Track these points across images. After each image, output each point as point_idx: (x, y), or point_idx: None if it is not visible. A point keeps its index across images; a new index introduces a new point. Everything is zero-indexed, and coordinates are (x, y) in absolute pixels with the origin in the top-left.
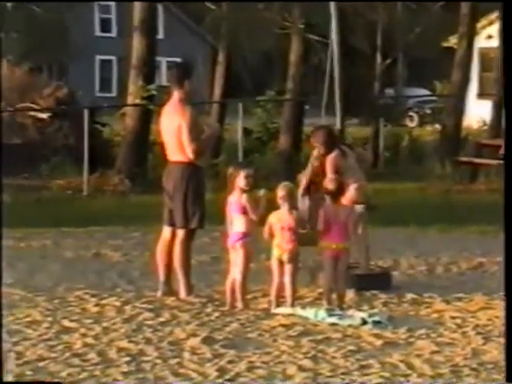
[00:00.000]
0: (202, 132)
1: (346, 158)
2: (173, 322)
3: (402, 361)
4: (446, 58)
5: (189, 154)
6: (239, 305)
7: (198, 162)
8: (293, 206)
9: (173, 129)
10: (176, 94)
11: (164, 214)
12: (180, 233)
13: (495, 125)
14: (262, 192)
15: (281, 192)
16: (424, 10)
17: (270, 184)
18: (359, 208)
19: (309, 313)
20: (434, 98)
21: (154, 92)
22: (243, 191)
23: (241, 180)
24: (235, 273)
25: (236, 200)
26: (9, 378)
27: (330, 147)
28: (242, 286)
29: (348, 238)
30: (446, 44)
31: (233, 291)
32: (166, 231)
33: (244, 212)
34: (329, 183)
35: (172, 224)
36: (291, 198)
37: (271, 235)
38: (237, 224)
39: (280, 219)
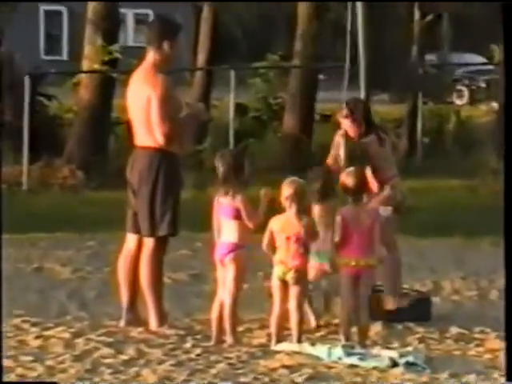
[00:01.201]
0: (179, 109)
1: (383, 146)
2: (140, 361)
3: None
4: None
5: (157, 136)
6: (228, 339)
7: (173, 148)
8: (302, 209)
9: (141, 103)
10: (151, 57)
11: (127, 217)
12: (148, 242)
13: None
14: (262, 191)
15: (287, 190)
16: None
17: (272, 179)
18: (386, 211)
19: (321, 351)
20: (489, 66)
21: (118, 55)
22: (237, 188)
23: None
24: (224, 296)
25: (228, 200)
26: None
27: (367, 129)
28: (232, 313)
29: (373, 252)
30: None
31: (220, 320)
32: (130, 240)
33: (237, 216)
34: (347, 177)
35: (137, 231)
36: (300, 199)
37: (272, 247)
38: (227, 232)
39: (285, 226)
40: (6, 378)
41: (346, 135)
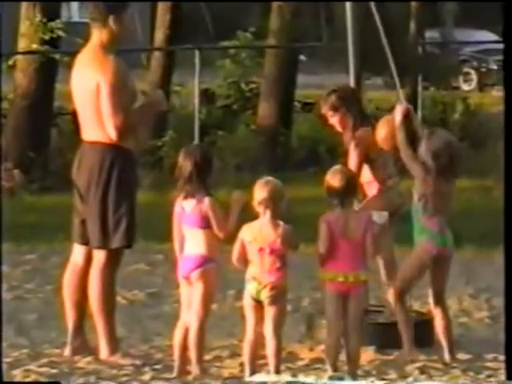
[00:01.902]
0: (134, 97)
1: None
2: None
3: None
4: None
5: (109, 130)
6: (194, 369)
7: (127, 143)
8: (278, 215)
9: (88, 90)
10: (96, 37)
11: (74, 226)
12: (98, 255)
13: None
14: (234, 194)
15: (261, 192)
16: None
17: (243, 178)
18: (381, 217)
19: (303, 383)
20: (502, 45)
21: (61, 32)
22: (204, 191)
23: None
24: (188, 319)
25: (193, 205)
26: None
27: (358, 122)
28: (198, 339)
29: (364, 266)
30: None
31: (184, 348)
32: (77, 253)
33: (205, 224)
34: (333, 177)
35: (86, 242)
36: (277, 202)
37: (244, 261)
38: (193, 243)
39: (257, 236)
40: None
41: (334, 130)
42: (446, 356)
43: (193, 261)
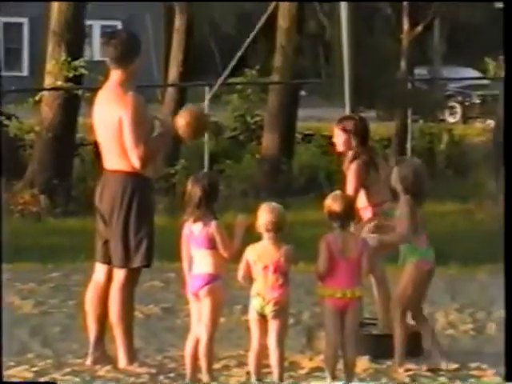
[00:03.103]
0: (152, 128)
1: (377, 169)
2: None
3: None
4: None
5: (133, 160)
6: (204, 378)
7: (147, 171)
8: (281, 237)
9: (110, 124)
10: (115, 75)
11: (96, 247)
12: (119, 274)
13: None
14: (238, 217)
15: (265, 216)
16: None
17: (249, 203)
18: (374, 240)
19: None
20: (485, 81)
21: (83, 70)
22: (210, 215)
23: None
24: (198, 332)
25: (200, 228)
26: None
27: (360, 149)
28: (207, 350)
29: (360, 283)
30: (499, 5)
31: (195, 358)
32: (99, 271)
33: (212, 246)
34: (334, 202)
35: (107, 261)
36: (280, 226)
37: (249, 278)
38: (201, 262)
39: (261, 255)
40: None
41: (333, 150)
42: (444, 362)
43: (201, 279)
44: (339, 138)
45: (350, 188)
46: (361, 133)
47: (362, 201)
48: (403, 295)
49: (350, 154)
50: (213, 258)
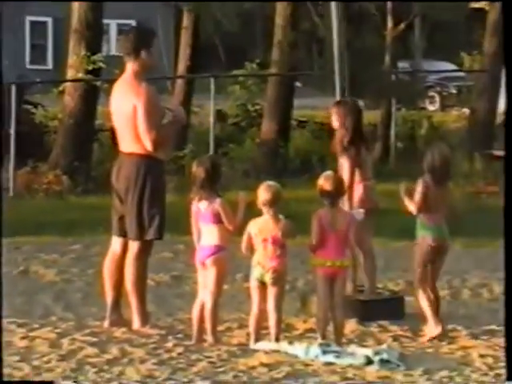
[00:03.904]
0: (163, 116)
1: (368, 150)
2: (123, 360)
3: None
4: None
5: (146, 144)
6: (209, 338)
7: (158, 154)
8: (278, 212)
9: (126, 111)
10: (130, 67)
11: (113, 221)
12: (133, 245)
13: None
14: (241, 195)
15: (264, 194)
16: None
17: (250, 182)
18: (359, 214)
19: (298, 349)
20: (460, 73)
21: (102, 64)
22: (215, 193)
23: None
24: (204, 297)
25: (206, 205)
26: None
27: (355, 129)
28: (212, 313)
29: (347, 254)
30: (475, 5)
31: (201, 320)
32: (116, 243)
33: (217, 220)
34: (325, 181)
35: (123, 234)
36: (277, 202)
37: (251, 249)
38: (207, 236)
39: (262, 229)
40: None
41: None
42: (439, 329)
43: (208, 249)
44: (335, 116)
45: (345, 167)
46: (356, 115)
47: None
48: (416, 268)
49: (344, 134)
50: (218, 231)
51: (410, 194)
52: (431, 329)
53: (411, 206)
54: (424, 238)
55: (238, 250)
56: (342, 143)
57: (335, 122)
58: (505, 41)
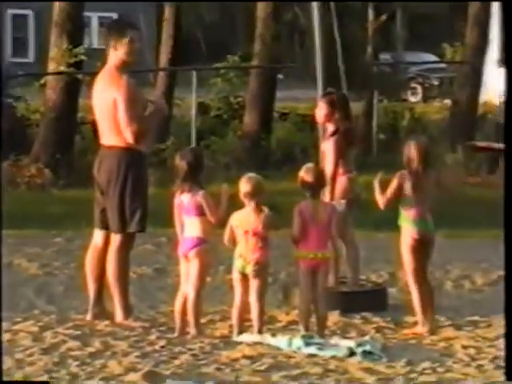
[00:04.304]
0: (144, 108)
1: (352, 139)
2: (106, 353)
3: None
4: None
5: (127, 136)
6: (192, 331)
7: (140, 146)
8: (260, 204)
9: (107, 104)
10: (111, 60)
11: (95, 214)
12: (115, 238)
13: None
14: (224, 187)
15: (245, 186)
16: None
17: (231, 175)
18: (340, 205)
19: (281, 341)
20: (442, 65)
21: (83, 57)
22: (197, 185)
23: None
24: (187, 289)
25: (189, 198)
26: None
27: (341, 121)
28: (195, 306)
29: (329, 246)
30: None
31: (183, 313)
32: (98, 236)
33: (200, 213)
34: (307, 173)
35: (105, 227)
36: (258, 194)
37: (233, 241)
38: (190, 228)
39: (243, 221)
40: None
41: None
42: (425, 329)
43: (190, 242)
44: (322, 111)
45: (330, 159)
46: (343, 107)
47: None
48: (406, 263)
49: (330, 126)
50: (201, 223)
51: (383, 187)
52: (418, 326)
53: (380, 200)
54: (407, 230)
55: (221, 243)
56: (328, 135)
57: (321, 114)
58: (505, 41)
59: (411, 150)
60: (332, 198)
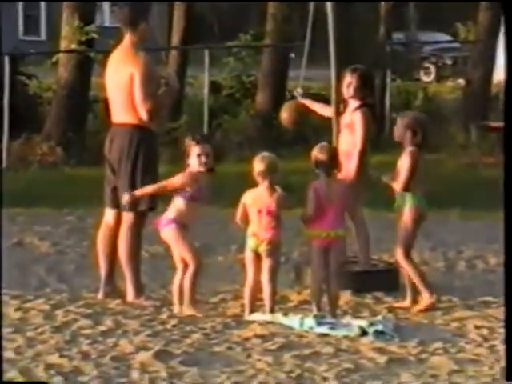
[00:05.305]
0: (159, 87)
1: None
2: (117, 332)
3: (411, 383)
4: None
5: (142, 114)
6: (175, 308)
7: (152, 125)
8: (274, 183)
9: (122, 80)
10: (128, 38)
11: (106, 193)
12: (127, 217)
13: None
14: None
15: (259, 165)
16: None
17: (244, 154)
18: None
19: (293, 320)
20: (455, 44)
21: (94, 35)
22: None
23: (192, 157)
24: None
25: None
26: None
27: (366, 98)
28: (187, 284)
29: (342, 224)
30: None
31: (181, 292)
32: (109, 215)
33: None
34: (320, 152)
35: (117, 205)
36: (273, 173)
37: (246, 220)
38: (170, 208)
39: (256, 200)
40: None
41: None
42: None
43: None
44: (351, 85)
45: (359, 130)
46: (370, 82)
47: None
48: (406, 237)
49: (354, 101)
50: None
51: (392, 177)
52: (425, 299)
53: (396, 185)
54: (416, 208)
55: (233, 221)
56: (354, 108)
57: (350, 88)
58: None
59: (421, 124)
60: (359, 172)
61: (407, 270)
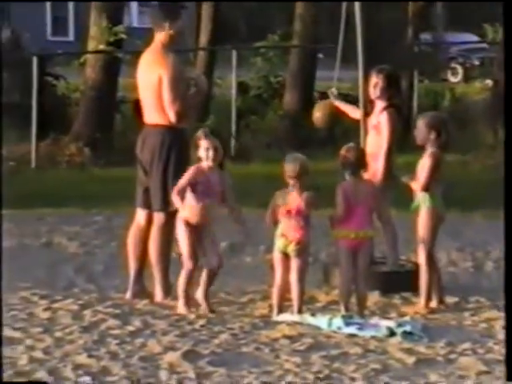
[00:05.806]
0: (187, 87)
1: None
2: (145, 332)
3: (440, 383)
4: None
5: (170, 115)
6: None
7: (183, 125)
8: (304, 184)
9: (152, 82)
10: (158, 39)
11: (138, 194)
12: (158, 217)
13: None
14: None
15: (291, 167)
16: None
17: (272, 154)
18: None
19: (321, 321)
20: (483, 45)
21: (123, 35)
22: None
23: (201, 151)
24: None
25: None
26: None
27: (392, 98)
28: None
29: (370, 224)
30: None
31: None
32: (140, 215)
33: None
34: (348, 152)
35: (147, 206)
36: (304, 175)
37: (274, 221)
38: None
39: (286, 201)
40: (11, 352)
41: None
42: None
43: None
44: (378, 86)
45: (385, 131)
46: (396, 83)
47: (376, 145)
48: (428, 238)
49: (381, 102)
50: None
51: (412, 177)
52: (419, 306)
53: (416, 185)
54: (433, 208)
55: (263, 222)
56: (381, 108)
57: (377, 89)
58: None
59: (444, 125)
60: (386, 173)
61: (421, 270)
